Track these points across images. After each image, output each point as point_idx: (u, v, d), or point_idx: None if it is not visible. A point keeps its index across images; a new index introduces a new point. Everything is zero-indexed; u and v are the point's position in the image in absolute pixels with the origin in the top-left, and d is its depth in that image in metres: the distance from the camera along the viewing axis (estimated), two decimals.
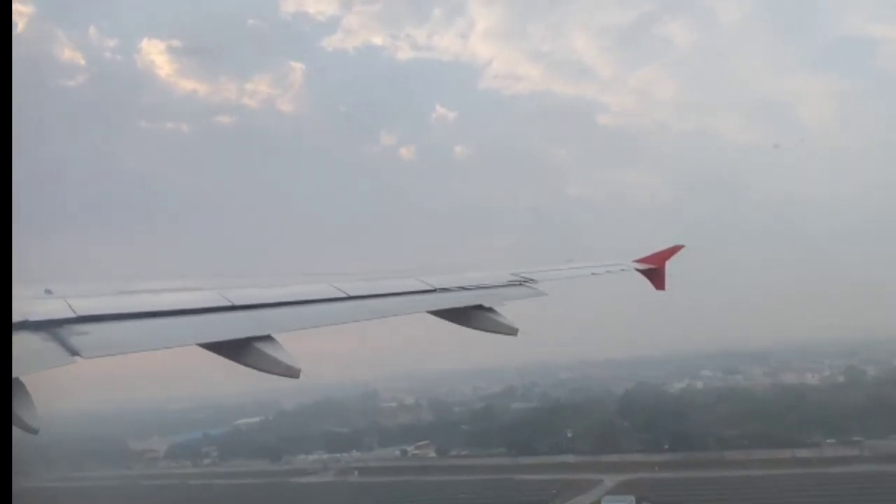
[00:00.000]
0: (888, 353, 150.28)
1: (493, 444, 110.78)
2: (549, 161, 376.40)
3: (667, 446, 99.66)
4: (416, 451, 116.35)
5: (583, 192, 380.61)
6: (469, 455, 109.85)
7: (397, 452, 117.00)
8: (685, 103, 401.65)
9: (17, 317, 4.55)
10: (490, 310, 7.42)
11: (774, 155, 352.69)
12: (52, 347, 4.53)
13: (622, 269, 10.91)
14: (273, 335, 5.48)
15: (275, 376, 5.34)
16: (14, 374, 4.17)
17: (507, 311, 7.49)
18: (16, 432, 4.18)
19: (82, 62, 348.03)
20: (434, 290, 7.51)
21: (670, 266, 11.38)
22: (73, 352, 4.52)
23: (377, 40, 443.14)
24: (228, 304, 5.86)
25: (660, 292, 11.34)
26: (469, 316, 7.34)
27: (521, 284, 8.45)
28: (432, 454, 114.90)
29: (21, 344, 4.36)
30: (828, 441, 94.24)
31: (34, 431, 4.25)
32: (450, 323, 7.36)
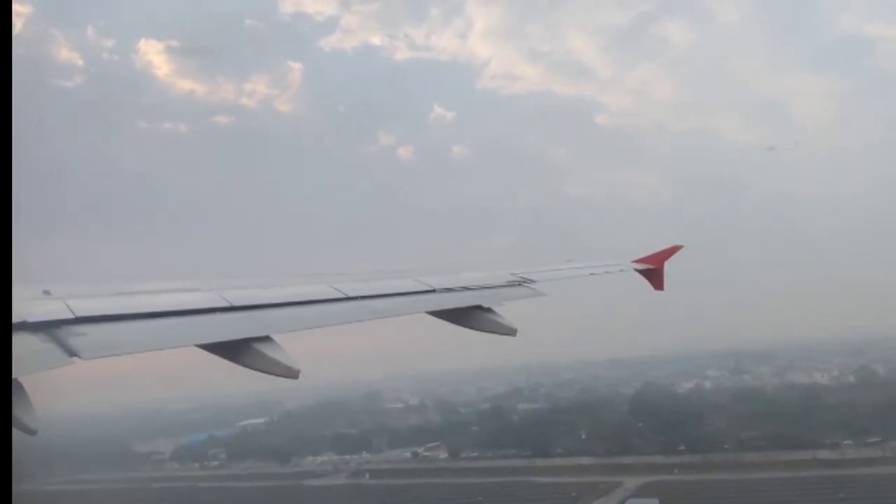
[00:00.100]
0: None
1: (505, 445, 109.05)
2: (548, 161, 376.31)
3: (683, 448, 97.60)
4: (427, 453, 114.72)
5: (581, 192, 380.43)
6: (481, 457, 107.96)
7: (408, 454, 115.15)
8: (684, 103, 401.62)
9: (15, 317, 4.55)
10: (489, 310, 7.41)
11: (773, 155, 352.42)
12: (51, 348, 4.53)
13: (621, 270, 10.91)
14: (272, 336, 5.47)
15: (274, 377, 5.34)
16: (12, 375, 4.16)
17: (506, 312, 7.49)
18: (16, 433, 4.17)
19: (80, 62, 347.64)
20: (433, 291, 7.51)
21: (669, 266, 11.38)
22: (72, 353, 4.52)
23: (375, 40, 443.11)
24: (227, 304, 5.86)
25: (659, 292, 11.35)
26: (468, 316, 7.33)
27: (519, 285, 8.45)
28: (443, 456, 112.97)
29: (19, 345, 4.36)
30: (846, 442, 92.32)
31: (32, 432, 4.24)
32: (449, 323, 7.37)
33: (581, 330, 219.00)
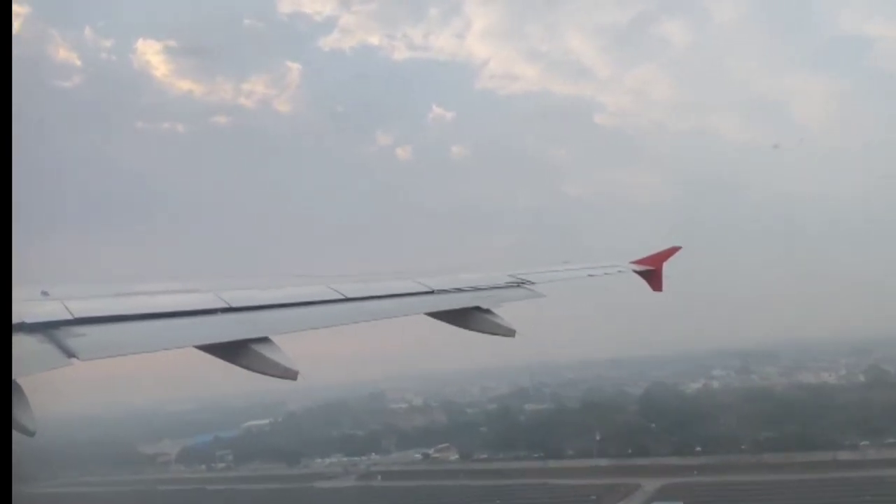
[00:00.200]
0: None
1: (516, 446, 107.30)
2: (547, 161, 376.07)
3: (699, 449, 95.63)
4: (437, 455, 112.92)
5: (580, 192, 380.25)
6: (494, 458, 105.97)
7: (418, 456, 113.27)
8: (683, 103, 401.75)
9: (13, 318, 4.55)
10: (488, 311, 7.42)
11: (773, 154, 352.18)
12: (49, 349, 4.53)
13: (619, 271, 10.91)
14: (270, 337, 5.48)
15: (273, 378, 5.34)
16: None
17: (505, 313, 7.50)
18: (16, 435, 4.17)
19: (78, 63, 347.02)
20: (431, 292, 7.52)
21: (668, 266, 11.38)
22: (70, 354, 4.52)
23: (374, 40, 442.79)
24: (225, 305, 5.86)
25: (658, 293, 11.36)
26: (467, 317, 7.34)
27: (518, 286, 8.46)
28: (453, 457, 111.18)
29: (17, 346, 4.35)
30: (863, 443, 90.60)
31: (31, 434, 4.24)
32: (448, 324, 7.38)
33: (580, 331, 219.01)
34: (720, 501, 78.98)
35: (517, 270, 8.97)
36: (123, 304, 5.52)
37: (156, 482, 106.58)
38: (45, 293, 5.38)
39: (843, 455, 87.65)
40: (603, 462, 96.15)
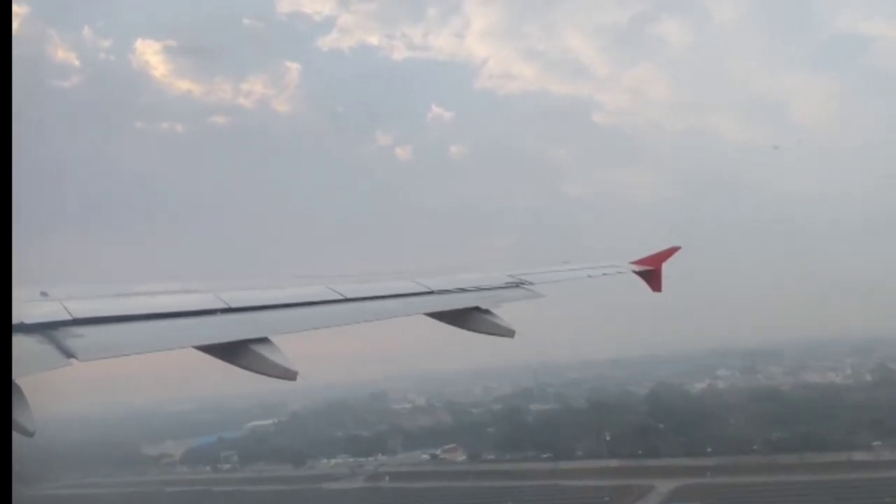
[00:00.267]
0: None
1: (524, 447, 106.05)
2: (546, 160, 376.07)
3: (710, 450, 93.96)
4: (444, 456, 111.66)
5: (579, 192, 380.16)
6: (502, 459, 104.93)
7: (425, 457, 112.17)
8: (681, 102, 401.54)
9: (12, 319, 4.55)
10: (487, 312, 7.43)
11: (772, 154, 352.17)
12: (48, 350, 4.52)
13: (618, 272, 10.90)
14: (269, 337, 5.48)
15: (272, 378, 5.34)
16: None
17: (504, 313, 7.50)
18: (15, 436, 4.17)
19: (76, 63, 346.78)
20: (431, 292, 7.52)
21: (668, 266, 11.38)
22: (69, 354, 4.52)
23: (373, 40, 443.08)
24: (224, 306, 5.86)
25: (657, 293, 11.35)
26: (466, 318, 7.34)
27: (517, 286, 8.47)
28: (461, 458, 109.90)
29: (16, 346, 4.35)
30: (875, 443, 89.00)
31: (30, 434, 4.24)
32: (447, 325, 7.38)
33: (579, 331, 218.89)
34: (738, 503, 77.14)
35: (516, 270, 8.98)
36: (122, 304, 5.52)
37: (162, 483, 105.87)
38: (44, 294, 5.38)
39: (858, 456, 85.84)
40: (613, 463, 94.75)
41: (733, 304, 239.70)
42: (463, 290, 7.81)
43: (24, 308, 4.81)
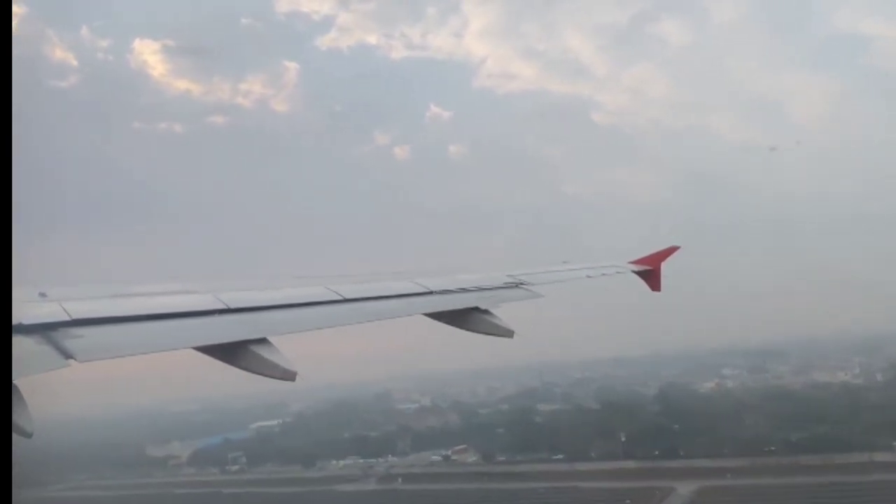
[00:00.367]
0: None
1: (536, 448, 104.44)
2: (545, 160, 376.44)
3: (727, 451, 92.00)
4: (456, 457, 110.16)
5: (578, 191, 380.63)
6: (515, 461, 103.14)
7: (436, 457, 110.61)
8: (680, 102, 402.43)
9: (11, 320, 4.54)
10: (486, 312, 7.43)
11: (771, 154, 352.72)
12: (47, 351, 4.52)
13: (618, 272, 10.90)
14: (268, 338, 5.47)
15: (271, 379, 5.34)
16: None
17: (503, 313, 7.50)
18: (15, 437, 4.17)
19: (75, 63, 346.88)
20: (430, 293, 7.51)
21: (667, 265, 11.38)
22: (68, 355, 4.51)
23: (371, 39, 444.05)
24: (223, 306, 5.85)
25: (657, 292, 11.35)
26: (465, 318, 7.34)
27: (516, 286, 8.46)
28: (472, 459, 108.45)
29: (15, 347, 4.35)
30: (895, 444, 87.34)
31: (28, 435, 4.23)
32: (446, 325, 7.38)
33: (579, 331, 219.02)
34: None
35: (515, 270, 8.98)
36: (121, 305, 5.52)
37: (169, 486, 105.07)
38: (42, 294, 5.37)
39: (880, 456, 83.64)
40: (630, 464, 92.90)
41: (733, 303, 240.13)
42: (462, 290, 7.81)
43: (23, 309, 4.80)
